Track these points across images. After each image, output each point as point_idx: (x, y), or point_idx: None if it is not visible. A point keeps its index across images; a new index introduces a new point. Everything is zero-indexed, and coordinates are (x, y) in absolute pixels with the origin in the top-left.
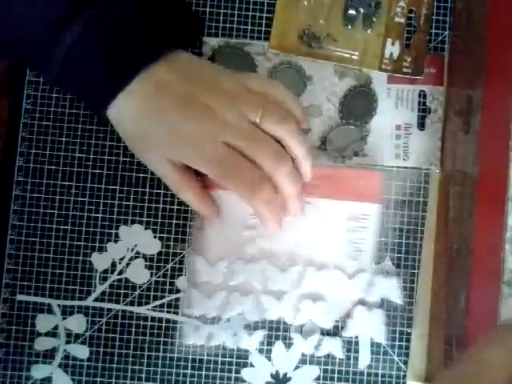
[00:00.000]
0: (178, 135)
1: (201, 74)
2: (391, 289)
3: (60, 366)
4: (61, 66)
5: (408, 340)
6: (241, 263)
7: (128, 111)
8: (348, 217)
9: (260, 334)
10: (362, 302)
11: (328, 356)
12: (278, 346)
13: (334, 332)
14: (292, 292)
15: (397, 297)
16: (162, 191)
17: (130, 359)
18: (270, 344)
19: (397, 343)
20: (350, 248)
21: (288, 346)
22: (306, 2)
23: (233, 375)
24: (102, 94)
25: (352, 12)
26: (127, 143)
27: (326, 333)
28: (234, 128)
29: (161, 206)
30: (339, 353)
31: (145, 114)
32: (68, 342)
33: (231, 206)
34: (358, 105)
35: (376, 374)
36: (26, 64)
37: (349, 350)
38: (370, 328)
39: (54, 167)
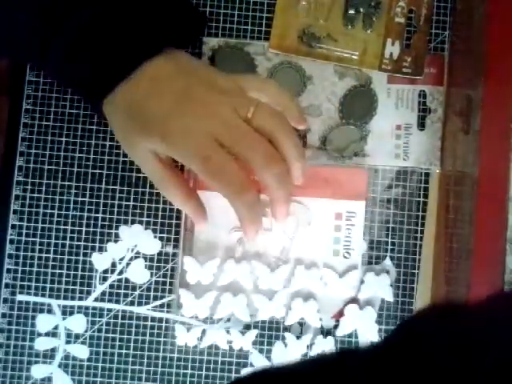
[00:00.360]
0: (168, 127)
1: (198, 72)
2: (382, 286)
3: (60, 366)
4: (59, 63)
5: None
6: (230, 263)
7: (123, 103)
8: (335, 215)
9: (253, 334)
10: (353, 301)
11: None
12: (278, 346)
13: (327, 331)
14: (283, 291)
15: (387, 294)
16: None
17: (130, 359)
18: (269, 344)
19: None
20: (339, 246)
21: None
22: (305, 2)
23: (233, 375)
24: (99, 87)
25: (352, 12)
26: (117, 135)
27: (318, 332)
28: (225, 124)
29: (161, 206)
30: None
31: (139, 107)
32: (68, 342)
33: (220, 207)
34: (358, 105)
35: None
36: (26, 60)
37: None
38: (362, 326)
39: (54, 167)
